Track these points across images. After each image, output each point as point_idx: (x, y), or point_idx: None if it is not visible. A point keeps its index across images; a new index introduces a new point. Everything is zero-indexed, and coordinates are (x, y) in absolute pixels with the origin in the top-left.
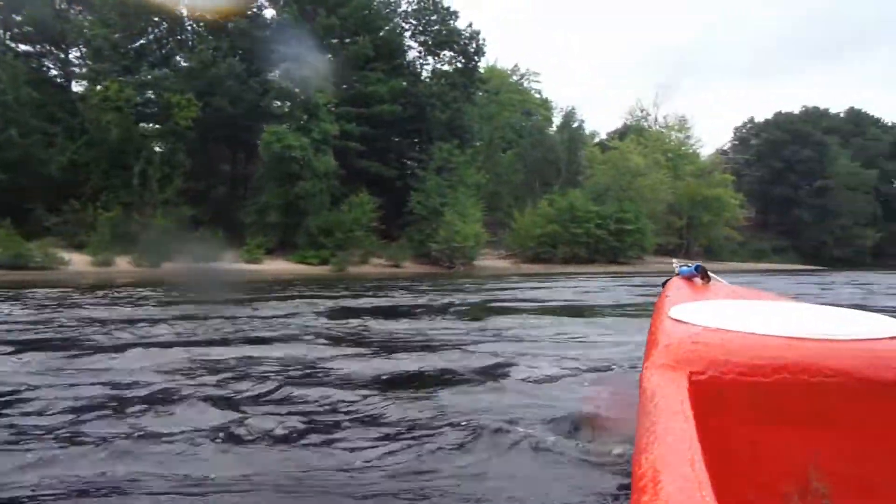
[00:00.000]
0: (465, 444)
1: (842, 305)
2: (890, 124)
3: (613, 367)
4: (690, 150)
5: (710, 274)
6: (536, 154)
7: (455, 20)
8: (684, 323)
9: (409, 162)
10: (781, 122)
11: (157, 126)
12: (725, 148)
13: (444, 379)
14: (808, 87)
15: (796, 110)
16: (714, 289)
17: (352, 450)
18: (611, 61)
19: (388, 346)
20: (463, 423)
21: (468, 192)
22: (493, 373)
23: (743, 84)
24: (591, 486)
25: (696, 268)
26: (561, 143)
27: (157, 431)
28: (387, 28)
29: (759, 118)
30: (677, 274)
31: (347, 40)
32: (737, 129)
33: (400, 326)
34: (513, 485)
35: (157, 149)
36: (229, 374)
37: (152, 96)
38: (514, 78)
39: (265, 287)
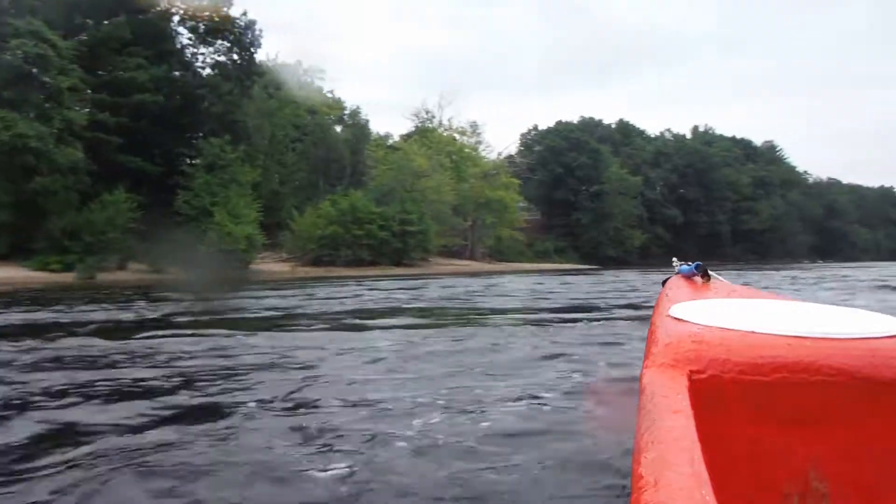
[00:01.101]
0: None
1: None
2: (652, 136)
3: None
4: (473, 153)
5: (711, 273)
6: (320, 153)
7: (229, 7)
8: (684, 322)
9: (182, 158)
10: (561, 130)
11: None
12: (512, 153)
13: None
14: (588, 100)
15: (575, 120)
16: (714, 287)
17: None
18: (404, 67)
19: None
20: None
21: (242, 191)
22: None
23: (532, 95)
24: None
25: (696, 266)
26: (345, 141)
27: None
28: (151, 10)
29: (543, 126)
30: (677, 273)
31: (106, 22)
32: (522, 136)
33: None
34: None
35: None
36: None
37: None
38: (299, 74)
39: None
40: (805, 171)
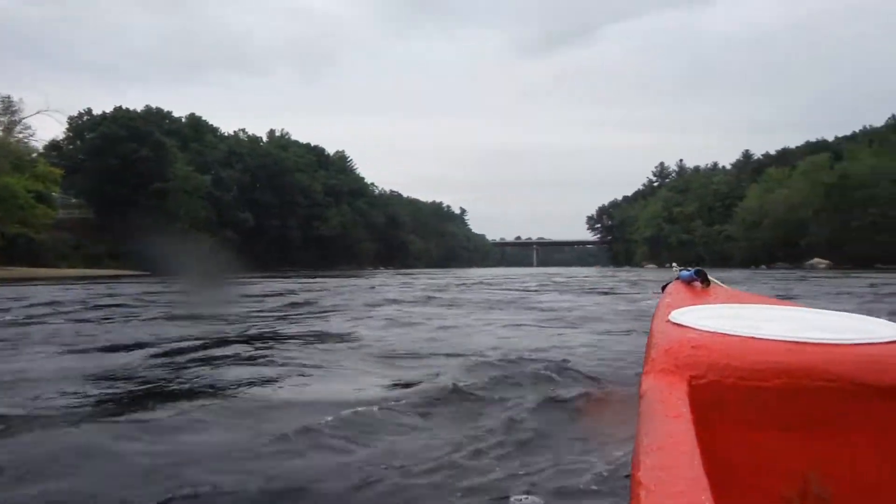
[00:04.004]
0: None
1: None
2: (226, 134)
3: None
4: None
5: (711, 278)
6: None
7: None
8: (684, 327)
9: None
10: (121, 117)
11: None
12: (60, 140)
13: None
14: (169, 94)
15: (140, 108)
16: (714, 293)
17: None
18: None
19: None
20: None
21: None
22: None
23: (112, 85)
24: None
25: (696, 272)
26: None
27: None
28: None
29: (99, 110)
30: (677, 278)
31: None
32: (72, 120)
33: None
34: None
35: None
36: None
37: None
38: None
39: None
40: (372, 183)
